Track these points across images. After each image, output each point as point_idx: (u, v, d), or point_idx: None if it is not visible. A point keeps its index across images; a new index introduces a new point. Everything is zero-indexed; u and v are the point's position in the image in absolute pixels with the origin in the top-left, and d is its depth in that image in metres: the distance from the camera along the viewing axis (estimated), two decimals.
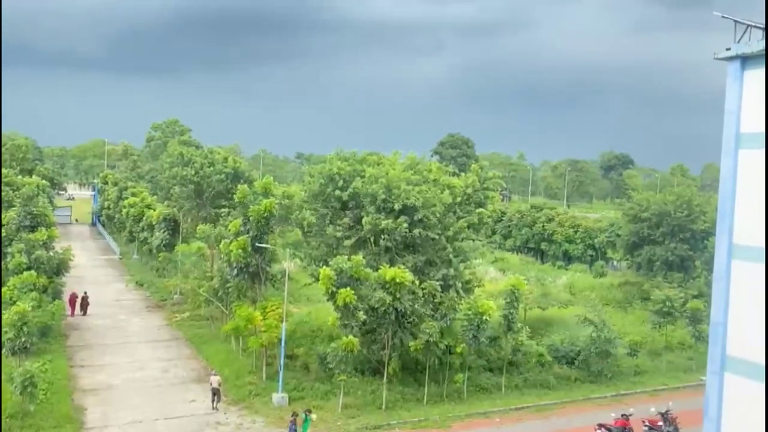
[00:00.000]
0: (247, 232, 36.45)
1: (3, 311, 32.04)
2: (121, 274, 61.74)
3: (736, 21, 17.35)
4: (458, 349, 31.86)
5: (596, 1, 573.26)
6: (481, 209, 37.90)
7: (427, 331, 30.75)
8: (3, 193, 53.14)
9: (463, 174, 40.39)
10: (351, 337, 29.42)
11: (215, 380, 30.62)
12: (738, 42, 17.41)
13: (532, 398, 33.33)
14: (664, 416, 29.61)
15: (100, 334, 41.39)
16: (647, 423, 29.51)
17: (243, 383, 32.69)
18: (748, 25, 17.26)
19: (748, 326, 17.32)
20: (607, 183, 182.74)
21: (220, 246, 38.64)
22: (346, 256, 31.24)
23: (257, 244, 36.01)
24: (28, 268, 40.06)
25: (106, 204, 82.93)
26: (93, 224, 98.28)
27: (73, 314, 44.92)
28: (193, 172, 51.80)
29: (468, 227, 36.46)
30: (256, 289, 38.10)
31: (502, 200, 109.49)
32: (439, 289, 32.69)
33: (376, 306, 29.80)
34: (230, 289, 38.09)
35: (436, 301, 32.78)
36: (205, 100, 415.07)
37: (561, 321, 44.29)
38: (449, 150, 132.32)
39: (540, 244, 79.98)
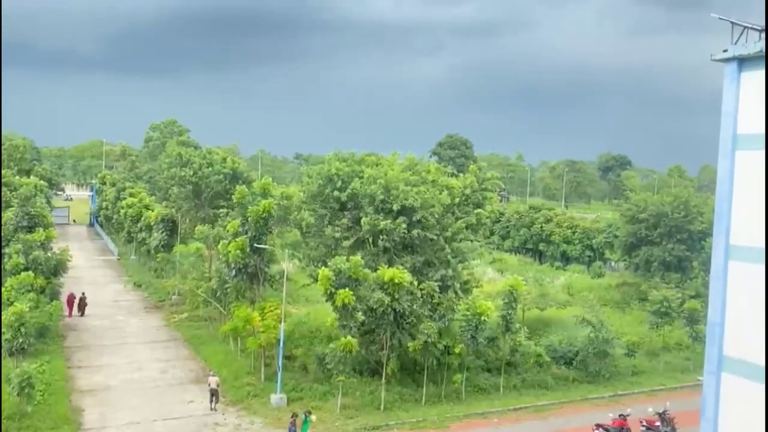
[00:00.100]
0: (246, 233, 36.45)
1: (1, 312, 32.00)
2: (119, 275, 61.71)
3: (732, 23, 17.43)
4: (456, 350, 31.89)
5: (595, 3, 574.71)
6: (479, 210, 37.97)
7: (426, 331, 30.79)
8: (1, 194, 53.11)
9: (461, 175, 40.43)
10: (349, 337, 29.44)
11: (213, 381, 30.61)
12: (735, 44, 17.50)
13: (530, 398, 33.38)
14: (662, 416, 29.68)
15: (98, 334, 41.36)
16: (645, 423, 29.58)
17: (241, 384, 32.69)
18: (745, 27, 17.34)
19: (744, 326, 17.40)
20: (605, 184, 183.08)
21: (219, 246, 38.63)
22: (345, 257, 31.26)
23: (256, 245, 36.01)
24: (26, 269, 40.06)
25: (104, 204, 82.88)
26: (91, 225, 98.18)
27: (70, 315, 44.86)
28: (191, 173, 51.80)
29: (466, 228, 36.51)
30: (254, 289, 38.10)
31: (501, 201, 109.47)
32: (438, 289, 32.72)
33: (374, 306, 29.83)
34: (228, 290, 38.09)
35: (434, 301, 32.81)
36: (204, 100, 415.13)
37: (559, 321, 44.35)
38: (448, 151, 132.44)
39: (538, 244, 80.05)
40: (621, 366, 37.82)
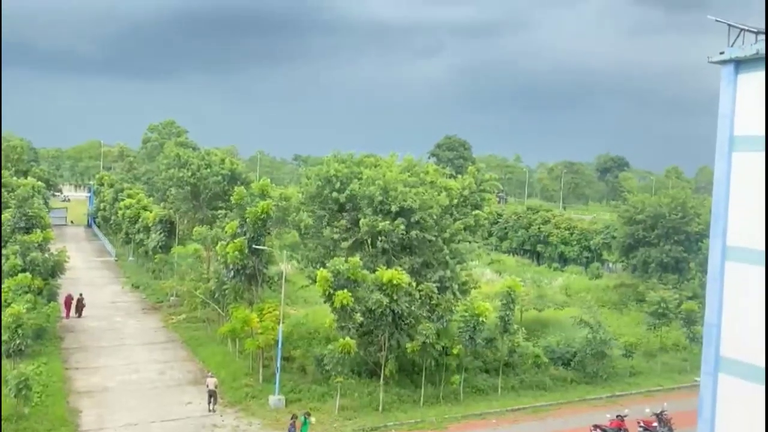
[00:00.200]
0: (244, 234, 36.45)
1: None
2: (117, 276, 61.67)
3: (729, 25, 17.51)
4: (455, 351, 31.94)
5: (594, 4, 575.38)
6: (477, 211, 38.00)
7: (424, 332, 30.83)
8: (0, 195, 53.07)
9: (459, 176, 40.49)
10: (348, 338, 29.46)
11: (212, 382, 30.60)
12: (732, 46, 17.57)
13: (528, 399, 33.42)
14: (659, 417, 29.73)
15: (95, 336, 41.33)
16: (642, 424, 29.62)
17: (239, 385, 32.67)
18: (742, 29, 17.43)
19: (741, 327, 17.46)
20: (603, 185, 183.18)
21: (217, 248, 38.61)
22: (343, 258, 31.29)
23: (254, 246, 36.02)
24: (23, 270, 40.00)
25: (101, 205, 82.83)
26: (88, 226, 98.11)
27: (68, 316, 44.82)
28: (189, 174, 51.74)
29: (464, 229, 36.53)
30: (252, 291, 38.09)
31: (499, 202, 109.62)
32: (436, 290, 32.75)
33: (373, 308, 29.86)
34: (227, 291, 38.05)
35: (432, 302, 32.84)
36: (203, 101, 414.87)
37: (557, 322, 44.44)
38: (446, 152, 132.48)
39: (536, 246, 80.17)
40: (618, 367, 37.89)
